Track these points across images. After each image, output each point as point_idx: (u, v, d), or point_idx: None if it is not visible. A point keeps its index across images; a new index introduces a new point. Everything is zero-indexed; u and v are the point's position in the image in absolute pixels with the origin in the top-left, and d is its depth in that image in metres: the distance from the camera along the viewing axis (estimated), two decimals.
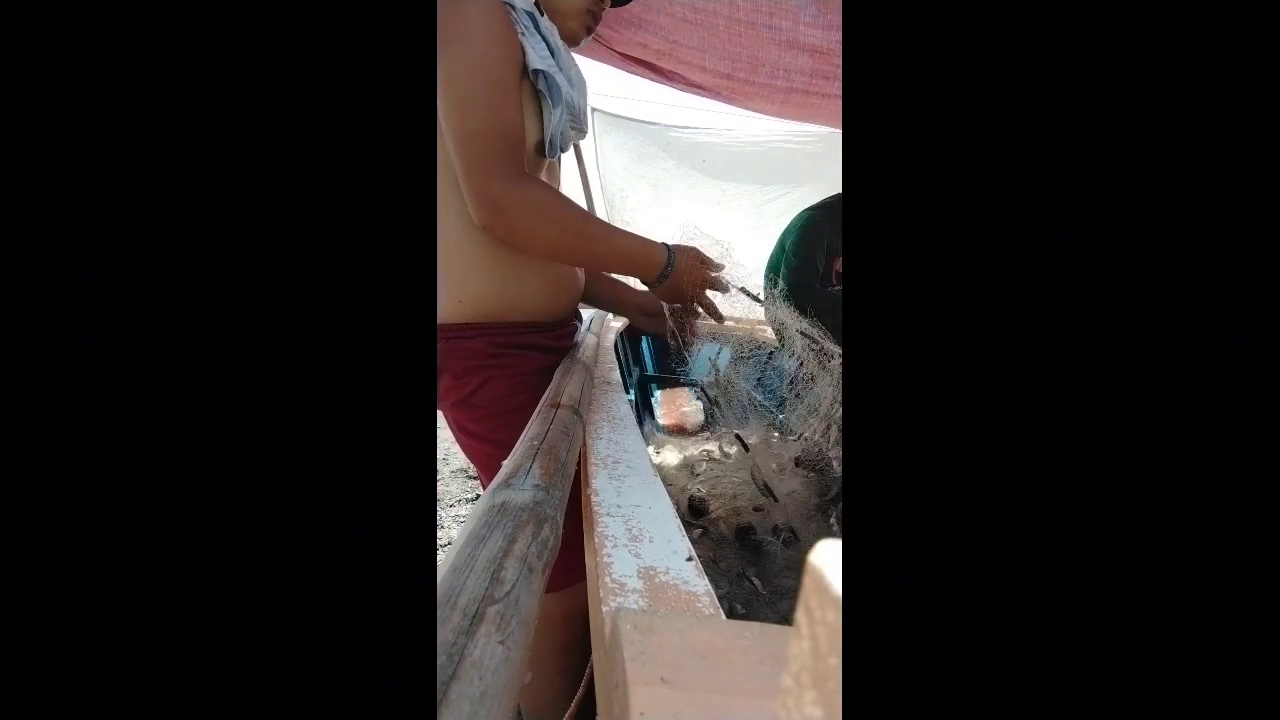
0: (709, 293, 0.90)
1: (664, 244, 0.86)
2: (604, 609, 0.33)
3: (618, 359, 1.36)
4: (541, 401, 0.66)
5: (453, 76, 0.70)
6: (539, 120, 0.79)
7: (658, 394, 1.91)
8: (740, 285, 0.96)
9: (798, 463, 1.03)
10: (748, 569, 0.92)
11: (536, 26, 0.75)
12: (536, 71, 0.74)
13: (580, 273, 0.97)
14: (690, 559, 0.39)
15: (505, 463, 0.45)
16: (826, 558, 0.13)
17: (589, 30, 0.88)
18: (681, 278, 0.85)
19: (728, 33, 1.53)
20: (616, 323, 1.98)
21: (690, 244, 0.90)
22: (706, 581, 0.37)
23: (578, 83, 0.83)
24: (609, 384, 0.92)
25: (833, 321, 1.81)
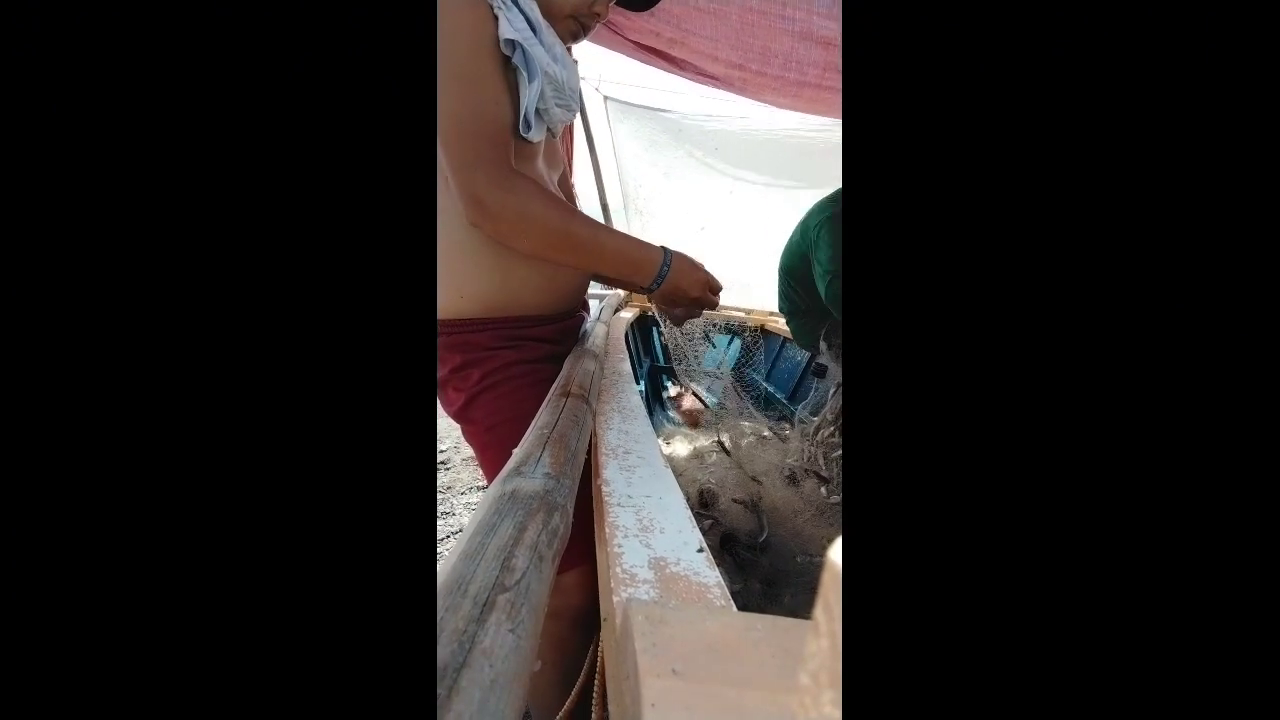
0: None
1: (662, 247, 0.84)
2: (615, 600, 0.33)
3: (628, 350, 1.36)
4: (552, 390, 0.65)
5: None
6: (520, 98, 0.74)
7: (669, 385, 1.91)
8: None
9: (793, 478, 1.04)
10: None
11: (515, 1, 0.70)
12: (510, 42, 0.69)
13: None
14: (701, 550, 0.39)
15: (515, 451, 0.45)
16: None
17: (575, 36, 0.83)
18: (679, 281, 0.83)
19: (740, 22, 1.51)
20: (627, 313, 1.97)
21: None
22: (718, 573, 0.36)
23: (564, 59, 0.77)
24: (619, 374, 0.92)
25: None
